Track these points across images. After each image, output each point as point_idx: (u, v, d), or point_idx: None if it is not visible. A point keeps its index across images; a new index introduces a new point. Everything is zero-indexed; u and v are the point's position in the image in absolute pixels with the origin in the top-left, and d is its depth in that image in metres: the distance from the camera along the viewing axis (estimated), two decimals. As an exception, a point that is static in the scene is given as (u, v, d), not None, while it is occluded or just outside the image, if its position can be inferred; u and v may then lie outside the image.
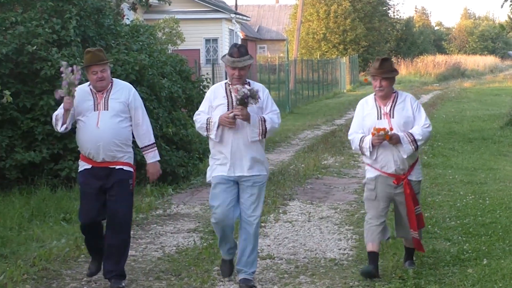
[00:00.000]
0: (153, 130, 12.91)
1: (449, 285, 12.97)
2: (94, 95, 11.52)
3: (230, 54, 10.98)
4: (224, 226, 11.91)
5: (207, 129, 11.12)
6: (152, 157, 12.04)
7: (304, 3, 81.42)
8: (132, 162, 11.92)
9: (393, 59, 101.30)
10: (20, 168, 20.41)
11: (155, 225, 17.61)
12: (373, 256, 11.74)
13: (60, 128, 11.59)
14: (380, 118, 11.45)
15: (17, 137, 20.69)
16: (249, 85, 11.03)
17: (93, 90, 11.76)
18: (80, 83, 11.89)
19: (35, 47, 20.79)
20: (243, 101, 10.59)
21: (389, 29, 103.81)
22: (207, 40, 52.30)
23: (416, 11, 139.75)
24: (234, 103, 10.95)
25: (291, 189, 22.60)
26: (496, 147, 32.03)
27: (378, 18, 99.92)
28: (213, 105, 11.32)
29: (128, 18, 29.36)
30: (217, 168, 11.52)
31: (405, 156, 11.29)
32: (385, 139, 11.11)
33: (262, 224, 18.20)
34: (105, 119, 11.38)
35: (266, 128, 10.67)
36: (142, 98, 21.76)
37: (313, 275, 13.98)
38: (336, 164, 28.04)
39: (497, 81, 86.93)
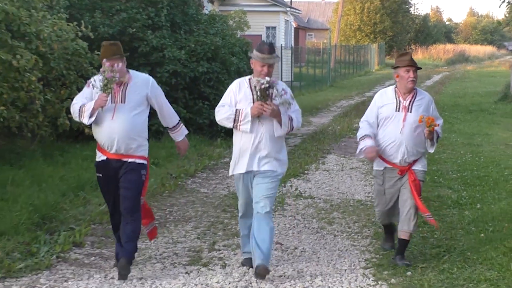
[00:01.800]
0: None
1: (450, 223, 13.00)
2: (114, 88, 9.74)
3: (261, 50, 9.34)
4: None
5: (235, 120, 9.33)
6: (180, 134, 10.60)
7: (344, 1, 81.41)
8: (146, 155, 10.18)
9: (412, 46, 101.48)
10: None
11: (223, 170, 17.63)
12: (387, 229, 10.89)
13: (87, 120, 9.88)
14: (398, 111, 10.30)
15: (118, 99, 20.46)
16: (277, 85, 9.55)
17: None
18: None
19: (134, 30, 20.94)
20: (265, 92, 9.12)
21: (410, 22, 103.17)
22: (267, 28, 52.00)
23: (431, 9, 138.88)
24: (255, 96, 9.35)
25: (329, 145, 22.64)
26: (490, 117, 31.86)
27: (401, 14, 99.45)
28: (237, 99, 9.56)
29: (207, 9, 29.32)
30: (239, 162, 9.70)
31: (431, 151, 10.55)
32: (431, 130, 9.94)
33: (304, 170, 18.35)
34: (121, 112, 9.74)
35: (293, 126, 9.40)
36: (215, 71, 22.00)
37: (344, 212, 14.10)
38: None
39: (493, 66, 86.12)
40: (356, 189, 16.57)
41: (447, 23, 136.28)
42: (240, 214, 10.16)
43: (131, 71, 10.13)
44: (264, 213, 9.52)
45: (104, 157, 9.88)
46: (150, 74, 20.71)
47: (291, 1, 74.53)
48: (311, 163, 19.41)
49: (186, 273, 10.30)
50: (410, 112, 9.93)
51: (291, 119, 9.40)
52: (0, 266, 10.19)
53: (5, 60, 13.81)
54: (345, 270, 10.50)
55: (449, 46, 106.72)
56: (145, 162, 10.04)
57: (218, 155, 19.76)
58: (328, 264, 10.79)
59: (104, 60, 9.67)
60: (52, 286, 9.71)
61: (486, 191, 15.84)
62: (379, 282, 9.92)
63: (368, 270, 10.50)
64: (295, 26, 66.81)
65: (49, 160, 16.77)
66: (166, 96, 17.58)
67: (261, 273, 9.47)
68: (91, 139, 18.26)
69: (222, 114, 9.45)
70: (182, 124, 10.60)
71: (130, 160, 9.82)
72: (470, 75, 65.37)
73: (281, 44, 49.66)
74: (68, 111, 16.33)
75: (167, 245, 11.71)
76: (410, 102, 10.14)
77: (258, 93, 9.15)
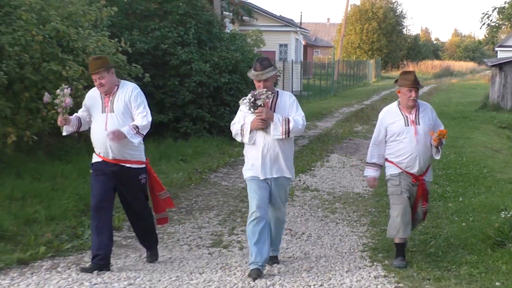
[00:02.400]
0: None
1: (436, 213, 13.00)
2: (103, 98, 9.18)
3: (254, 68, 8.65)
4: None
5: (242, 135, 8.76)
6: (126, 129, 8.89)
7: (346, 22, 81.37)
8: (143, 158, 9.46)
9: (405, 62, 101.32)
10: (154, 126, 20.53)
11: (241, 166, 17.62)
12: (400, 248, 9.68)
13: (64, 132, 9.51)
14: (408, 125, 9.67)
15: (152, 105, 20.54)
16: (277, 95, 8.84)
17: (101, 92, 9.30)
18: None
19: (166, 46, 20.97)
20: (254, 105, 8.42)
21: (402, 41, 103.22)
22: (280, 45, 51.92)
23: (421, 29, 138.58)
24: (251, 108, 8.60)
25: (332, 146, 22.64)
26: (472, 123, 31.78)
27: (395, 34, 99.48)
28: (246, 114, 8.80)
29: (228, 28, 29.32)
30: (251, 169, 8.90)
31: (437, 158, 9.88)
32: (442, 138, 9.46)
33: (311, 167, 18.34)
34: (112, 121, 9.02)
35: (289, 128, 8.38)
36: (236, 82, 22.01)
37: (345, 203, 14.11)
38: (363, 130, 27.89)
39: (475, 79, 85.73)
40: (355, 183, 16.55)
41: (434, 42, 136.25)
42: (251, 219, 8.82)
43: (122, 81, 9.49)
44: (282, 215, 9.26)
45: (100, 159, 9.26)
46: (179, 84, 21.03)
47: (300, 22, 74.60)
48: (317, 161, 19.40)
49: (209, 253, 10.38)
50: (419, 124, 9.48)
51: (287, 121, 8.53)
52: (50, 246, 10.27)
53: (56, 70, 13.89)
54: (345, 252, 10.52)
55: (436, 62, 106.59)
56: (142, 166, 9.43)
57: (237, 153, 19.64)
58: (331, 247, 10.80)
59: (65, 86, 9.28)
60: (34, 274, 9.71)
61: (468, 186, 15.81)
62: (375, 263, 9.94)
63: (365, 253, 10.51)
64: (304, 43, 66.81)
65: (63, 161, 16.80)
66: (193, 102, 17.27)
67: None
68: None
69: (233, 132, 9.00)
70: (135, 128, 8.99)
71: (127, 165, 9.19)
72: (454, 87, 65.25)
73: (292, 59, 49.78)
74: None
75: (193, 229, 11.77)
76: (415, 115, 9.66)
77: (251, 108, 8.51)
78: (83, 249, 10.40)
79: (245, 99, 8.69)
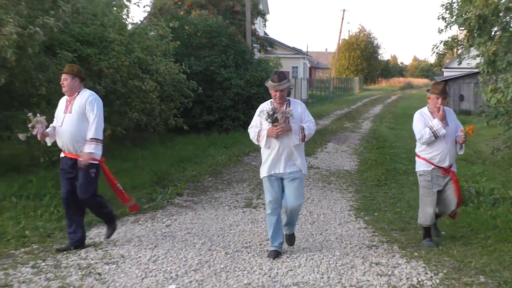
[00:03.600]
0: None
1: (401, 184, 13.02)
2: (67, 102, 8.04)
3: (272, 79, 7.60)
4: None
5: (258, 140, 7.65)
6: (87, 148, 7.79)
7: (338, 51, 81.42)
8: (95, 157, 7.99)
9: (380, 79, 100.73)
10: (204, 123, 20.67)
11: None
12: (428, 231, 8.63)
13: (48, 143, 8.17)
14: None
15: (204, 109, 20.68)
16: (289, 103, 7.70)
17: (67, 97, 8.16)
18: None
19: (213, 68, 20.94)
20: (273, 117, 7.37)
21: (378, 64, 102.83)
22: (293, 67, 51.78)
23: (391, 56, 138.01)
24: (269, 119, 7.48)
25: (329, 137, 22.47)
26: (426, 121, 31.50)
27: (373, 59, 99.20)
28: (262, 120, 7.66)
29: (256, 56, 29.21)
30: (266, 168, 7.69)
31: (461, 153, 8.95)
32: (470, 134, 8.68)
33: (314, 152, 18.27)
34: (67, 121, 7.90)
35: (305, 134, 7.51)
36: (261, 92, 21.96)
37: (337, 177, 14.02)
38: (350, 126, 27.68)
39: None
40: (345, 163, 16.43)
41: (400, 64, 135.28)
42: (267, 212, 7.83)
43: (84, 89, 8.08)
44: (298, 205, 7.77)
45: (62, 155, 8.08)
46: (222, 94, 21.08)
47: (307, 51, 74.64)
48: (318, 148, 19.29)
49: (243, 212, 10.43)
50: (448, 125, 8.57)
51: (302, 128, 7.54)
52: (122, 204, 10.37)
53: (138, 85, 14.03)
54: (337, 211, 10.52)
55: (401, 79, 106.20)
56: (94, 162, 7.95)
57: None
58: (327, 207, 10.80)
59: (38, 116, 7.97)
60: (164, 218, 9.86)
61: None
62: (358, 219, 9.95)
63: (351, 211, 10.51)
64: (309, 66, 66.62)
65: (163, 144, 16.97)
66: (232, 107, 17.09)
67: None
68: (188, 132, 18.56)
69: (250, 135, 7.78)
70: (94, 143, 7.84)
71: (80, 159, 7.85)
72: (413, 96, 64.69)
73: (301, 77, 49.82)
74: (175, 115, 16.59)
75: (232, 195, 11.80)
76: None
77: (269, 119, 7.40)
78: (156, 208, 10.52)
79: (263, 110, 7.54)
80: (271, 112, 7.36)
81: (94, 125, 7.83)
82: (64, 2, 10.98)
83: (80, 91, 8.01)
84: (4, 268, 7.10)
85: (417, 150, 8.94)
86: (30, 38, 9.57)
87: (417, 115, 8.86)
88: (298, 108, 7.73)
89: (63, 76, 8.03)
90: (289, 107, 7.70)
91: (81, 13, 12.75)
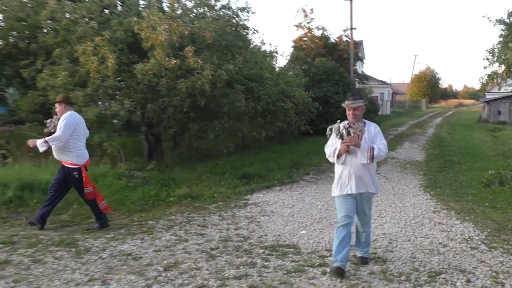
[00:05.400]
0: None
1: (455, 171, 12.21)
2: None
3: (346, 99, 5.34)
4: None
5: (333, 157, 5.28)
6: (39, 140, 6.25)
7: (412, 82, 78.11)
8: (77, 162, 6.32)
9: (440, 100, 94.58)
10: (323, 129, 20.30)
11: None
12: None
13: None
14: None
15: (323, 120, 20.21)
16: (364, 124, 5.30)
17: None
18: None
19: (329, 94, 20.49)
20: (343, 132, 5.12)
21: (438, 91, 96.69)
22: (381, 93, 49.90)
23: (448, 85, 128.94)
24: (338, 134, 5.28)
25: (405, 138, 21.46)
26: (473, 128, 29.28)
27: (436, 87, 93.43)
28: (336, 138, 5.31)
29: (356, 86, 28.42)
30: (339, 187, 5.22)
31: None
32: None
33: (395, 148, 17.40)
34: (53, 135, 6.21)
35: (373, 154, 5.14)
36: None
37: (411, 165, 13.29)
38: (420, 131, 26.31)
39: (474, 108, 79.91)
40: (416, 156, 15.64)
41: (454, 90, 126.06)
42: (338, 225, 5.13)
43: (70, 112, 6.43)
44: (368, 224, 5.38)
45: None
46: (334, 111, 20.40)
47: (390, 82, 71.68)
48: (398, 145, 18.48)
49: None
50: None
51: (372, 148, 5.11)
52: (279, 180, 10.44)
53: (281, 105, 13.99)
54: (411, 187, 10.02)
55: (455, 100, 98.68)
56: (75, 166, 6.34)
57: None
58: (404, 185, 10.31)
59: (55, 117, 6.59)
60: (298, 188, 9.84)
61: (471, 158, 14.59)
62: (425, 193, 9.44)
63: (421, 188, 10.01)
64: (391, 92, 63.98)
65: (296, 143, 16.89)
66: (340, 119, 16.53)
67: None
68: (312, 135, 18.30)
69: (327, 153, 5.34)
70: (42, 140, 6.23)
71: (65, 165, 6.37)
72: (464, 112, 60.56)
73: (386, 99, 48.04)
74: (304, 124, 16.35)
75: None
76: None
77: (338, 134, 5.18)
78: (292, 182, 10.46)
79: (334, 126, 5.28)
80: (339, 126, 5.19)
81: (58, 131, 6.25)
82: (238, 55, 11.27)
83: (64, 114, 6.41)
84: (202, 215, 7.41)
85: None
86: (219, 77, 9.86)
87: None
88: (371, 129, 5.27)
89: (56, 104, 6.59)
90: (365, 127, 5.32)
91: (248, 62, 12.99)
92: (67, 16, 10.18)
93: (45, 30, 10.48)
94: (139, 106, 9.97)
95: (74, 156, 6.38)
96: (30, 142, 6.35)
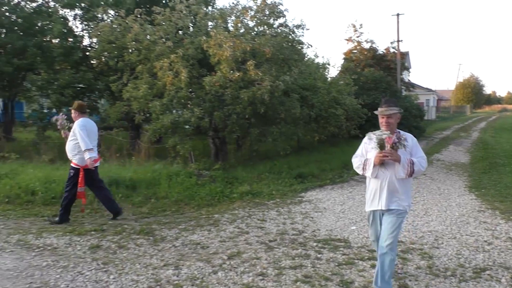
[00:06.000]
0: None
1: (500, 165, 11.42)
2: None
3: (380, 105, 4.12)
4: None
5: (363, 169, 4.09)
6: (86, 156, 6.22)
7: (456, 89, 74.32)
8: (78, 162, 6.26)
9: (484, 106, 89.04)
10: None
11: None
12: None
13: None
14: None
15: (371, 125, 19.74)
16: (399, 134, 4.04)
17: None
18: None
19: (376, 101, 19.80)
20: (382, 144, 3.95)
21: (482, 96, 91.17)
22: (426, 99, 47.68)
23: (492, 91, 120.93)
24: (377, 147, 4.00)
25: (450, 142, 20.39)
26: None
27: (480, 94, 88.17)
28: (367, 148, 4.13)
29: (403, 93, 27.30)
30: (370, 202, 4.15)
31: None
32: None
33: (440, 151, 16.62)
34: (69, 139, 6.39)
35: (413, 170, 3.95)
36: (407, 116, 20.30)
37: (456, 166, 12.54)
38: (464, 135, 24.99)
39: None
40: (461, 158, 14.74)
41: (498, 96, 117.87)
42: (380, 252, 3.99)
43: (82, 119, 6.38)
44: (386, 246, 3.92)
45: None
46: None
47: (435, 89, 68.51)
48: (442, 148, 17.54)
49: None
50: None
51: (412, 163, 3.95)
52: (331, 179, 10.22)
53: (333, 112, 13.74)
54: (456, 187, 9.45)
55: (499, 105, 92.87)
56: (76, 166, 6.31)
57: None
58: (450, 185, 9.75)
59: (60, 115, 6.73)
60: (349, 187, 9.59)
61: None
62: (470, 193, 8.87)
63: (466, 188, 9.41)
64: (437, 99, 61.09)
65: (347, 145, 16.19)
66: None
67: None
68: (361, 138, 17.75)
69: (354, 165, 4.17)
70: (86, 152, 6.20)
71: (71, 164, 6.32)
72: (508, 116, 56.65)
73: (431, 105, 45.97)
74: (354, 128, 15.85)
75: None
76: None
77: (377, 145, 3.94)
78: (343, 182, 10.20)
79: (375, 134, 4.02)
80: (380, 135, 3.97)
81: (81, 141, 6.22)
82: (294, 67, 11.19)
83: (78, 120, 6.39)
84: (262, 210, 7.39)
85: None
86: (277, 88, 9.82)
87: None
88: (408, 142, 4.04)
89: (72, 110, 6.52)
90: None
91: (303, 73, 12.88)
92: (147, 37, 10.56)
93: (130, 50, 10.92)
94: (207, 113, 10.15)
95: (77, 157, 6.34)
96: (88, 162, 6.22)
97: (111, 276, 4.42)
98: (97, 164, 6.50)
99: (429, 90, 52.56)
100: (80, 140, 6.21)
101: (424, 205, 7.80)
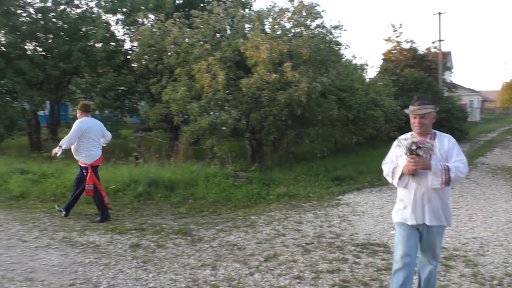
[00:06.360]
0: None
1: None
2: None
3: (412, 103, 3.42)
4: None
5: (392, 177, 3.41)
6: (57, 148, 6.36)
7: (502, 90, 70.77)
8: (86, 161, 6.41)
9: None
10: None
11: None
12: None
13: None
14: None
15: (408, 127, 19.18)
16: (434, 136, 3.38)
17: None
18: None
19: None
20: (411, 151, 3.22)
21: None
22: (470, 100, 45.66)
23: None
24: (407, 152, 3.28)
25: (495, 144, 19.49)
26: None
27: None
28: (398, 154, 3.44)
29: (445, 94, 26.31)
30: (399, 213, 3.50)
31: None
32: None
33: (485, 154, 15.90)
34: None
35: (450, 177, 3.17)
36: (449, 118, 19.55)
37: (502, 170, 11.95)
38: (511, 137, 23.84)
39: None
40: (508, 161, 14.05)
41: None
42: (396, 267, 3.43)
43: (83, 118, 6.54)
44: (430, 263, 3.56)
45: None
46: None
47: (479, 90, 65.77)
48: (488, 151, 16.79)
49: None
50: None
51: (447, 169, 3.21)
52: (369, 182, 10.00)
53: (371, 113, 13.38)
54: (503, 193, 8.99)
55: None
56: (83, 165, 6.46)
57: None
58: (496, 190, 9.28)
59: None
60: (388, 191, 9.34)
61: None
62: (518, 198, 8.45)
63: (511, 193, 8.99)
64: (481, 100, 58.59)
65: (386, 147, 16.02)
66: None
67: None
68: (392, 140, 17.28)
69: (384, 172, 3.56)
70: (58, 146, 6.42)
71: (79, 163, 6.48)
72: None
73: (475, 107, 44.24)
74: (393, 130, 15.39)
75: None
76: None
77: (407, 151, 3.27)
78: (382, 185, 9.86)
79: (406, 140, 3.35)
80: (409, 141, 3.31)
81: (66, 137, 6.35)
82: (331, 69, 11.06)
83: (79, 119, 6.53)
84: (298, 213, 7.32)
85: None
86: (314, 89, 9.74)
87: None
88: (445, 143, 3.38)
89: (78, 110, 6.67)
90: (434, 141, 3.39)
91: (340, 74, 12.69)
92: (186, 40, 10.74)
93: (169, 53, 11.10)
94: (244, 115, 10.20)
95: (84, 156, 6.44)
96: (53, 153, 6.46)
97: (150, 275, 4.50)
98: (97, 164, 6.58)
99: (473, 91, 50.55)
100: (67, 135, 6.34)
101: (468, 210, 7.48)
